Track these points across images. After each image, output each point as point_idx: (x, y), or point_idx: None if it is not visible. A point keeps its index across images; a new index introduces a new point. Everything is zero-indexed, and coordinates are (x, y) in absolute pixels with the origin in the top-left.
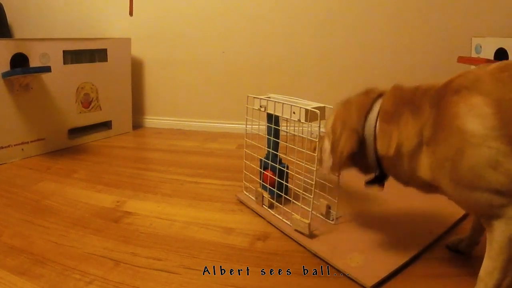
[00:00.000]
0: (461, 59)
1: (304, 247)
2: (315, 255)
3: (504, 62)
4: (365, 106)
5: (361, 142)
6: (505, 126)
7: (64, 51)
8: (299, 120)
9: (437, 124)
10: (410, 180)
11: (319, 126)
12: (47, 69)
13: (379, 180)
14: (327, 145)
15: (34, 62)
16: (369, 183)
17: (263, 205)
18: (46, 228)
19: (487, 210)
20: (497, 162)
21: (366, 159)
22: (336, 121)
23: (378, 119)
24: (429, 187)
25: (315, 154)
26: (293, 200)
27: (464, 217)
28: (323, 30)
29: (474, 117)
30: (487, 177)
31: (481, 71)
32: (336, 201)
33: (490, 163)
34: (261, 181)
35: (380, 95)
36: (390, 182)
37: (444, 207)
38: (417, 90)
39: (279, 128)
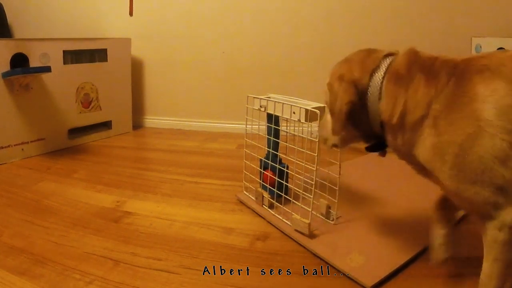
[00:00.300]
0: None
1: (304, 247)
2: (315, 255)
3: None
4: (371, 63)
5: (364, 104)
6: None
7: (64, 51)
8: (299, 120)
9: (452, 101)
10: (406, 155)
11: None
12: (47, 69)
13: (381, 147)
14: (328, 117)
15: (34, 62)
16: (370, 148)
17: (263, 205)
18: (46, 228)
19: (481, 208)
20: (507, 157)
21: (369, 123)
22: (332, 79)
23: (385, 80)
24: (422, 169)
25: (316, 154)
26: (293, 200)
27: (463, 218)
28: (323, 30)
29: (493, 105)
30: (494, 170)
31: (504, 55)
32: (336, 201)
33: (500, 157)
34: (261, 181)
35: (389, 54)
36: (390, 181)
37: None
38: (436, 58)
39: (279, 128)
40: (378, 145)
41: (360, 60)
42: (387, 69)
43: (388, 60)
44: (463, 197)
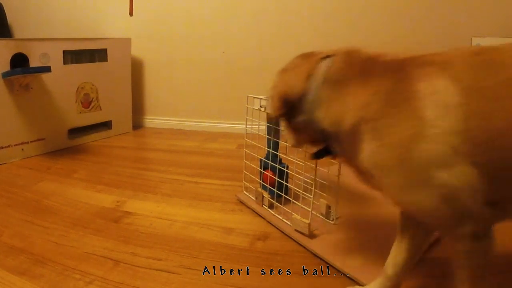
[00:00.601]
0: None
1: (304, 247)
2: (315, 255)
3: (479, 46)
4: (306, 69)
5: (302, 110)
6: (468, 120)
7: (64, 51)
8: None
9: (391, 100)
10: (351, 163)
11: None
12: (47, 69)
13: (327, 153)
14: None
15: (34, 62)
16: (315, 155)
17: (263, 205)
18: (46, 228)
19: (433, 220)
20: (452, 162)
21: (312, 130)
22: (270, 89)
23: (321, 85)
24: (366, 176)
25: None
26: (293, 200)
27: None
28: (323, 30)
29: (437, 103)
30: (438, 178)
31: (453, 52)
32: (336, 201)
33: (444, 162)
34: (261, 181)
35: (328, 56)
36: None
37: None
38: (379, 56)
39: (279, 128)
40: (323, 151)
41: (295, 67)
42: (324, 73)
43: (325, 64)
44: (411, 209)
